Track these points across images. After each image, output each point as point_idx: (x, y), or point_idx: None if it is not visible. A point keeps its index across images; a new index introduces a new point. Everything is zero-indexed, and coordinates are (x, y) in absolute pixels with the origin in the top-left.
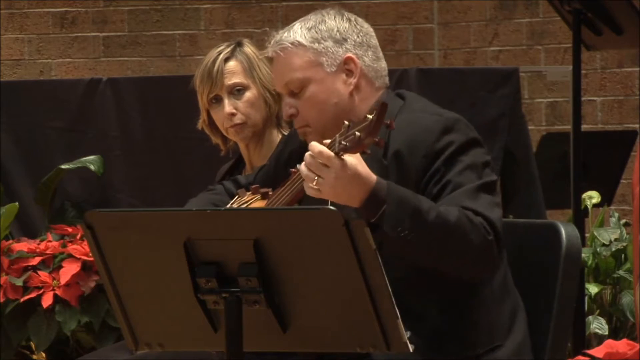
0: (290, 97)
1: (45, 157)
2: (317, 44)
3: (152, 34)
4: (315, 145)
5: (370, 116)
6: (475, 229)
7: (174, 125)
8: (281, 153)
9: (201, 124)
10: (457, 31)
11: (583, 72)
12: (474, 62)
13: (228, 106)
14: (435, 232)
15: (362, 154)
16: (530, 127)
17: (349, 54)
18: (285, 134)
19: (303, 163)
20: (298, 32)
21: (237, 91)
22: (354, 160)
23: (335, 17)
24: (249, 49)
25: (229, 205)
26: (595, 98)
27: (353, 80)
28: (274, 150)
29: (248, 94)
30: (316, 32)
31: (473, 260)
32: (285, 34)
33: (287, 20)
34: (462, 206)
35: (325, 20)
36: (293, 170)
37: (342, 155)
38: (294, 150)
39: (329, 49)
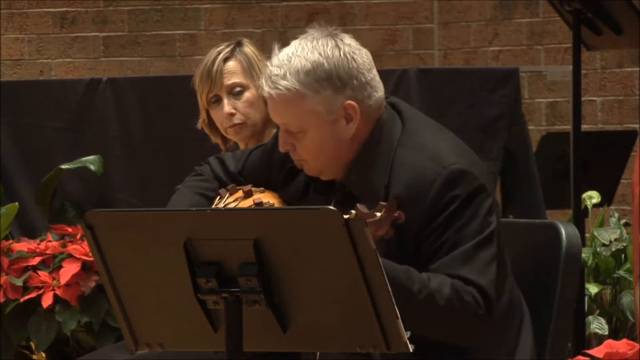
0: (285, 133)
1: (45, 157)
2: (315, 93)
3: (152, 34)
4: None
5: (379, 214)
6: (465, 308)
7: (174, 125)
8: (272, 151)
9: (201, 123)
10: (457, 31)
11: (583, 72)
12: (474, 62)
13: (227, 106)
14: (423, 313)
15: None
16: (530, 127)
17: (349, 101)
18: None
19: None
20: (295, 76)
21: (236, 91)
22: None
23: (333, 54)
24: (248, 49)
25: (217, 202)
26: (595, 98)
27: (353, 126)
28: (267, 142)
29: (247, 94)
30: (315, 78)
31: (463, 336)
32: (282, 74)
33: (287, 21)
34: (454, 275)
35: (323, 64)
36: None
37: None
38: (289, 154)
39: (328, 97)
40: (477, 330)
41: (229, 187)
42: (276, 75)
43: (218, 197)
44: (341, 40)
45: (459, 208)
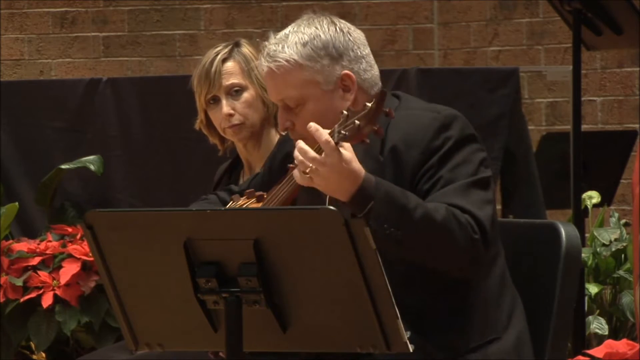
0: (284, 110)
1: (45, 157)
2: (313, 62)
3: (152, 34)
4: (317, 129)
5: (369, 104)
6: (461, 228)
7: (173, 125)
8: (274, 157)
9: (199, 124)
10: (457, 31)
11: (583, 72)
12: (474, 62)
13: (226, 107)
14: (420, 230)
15: (361, 143)
16: (530, 127)
17: (346, 71)
18: (283, 134)
19: (297, 149)
20: (293, 48)
21: (235, 92)
22: (349, 154)
23: (329, 28)
24: (246, 49)
25: (228, 206)
26: (595, 98)
27: (350, 96)
28: (269, 156)
29: (246, 95)
30: (312, 49)
31: (457, 259)
32: (280, 48)
33: (287, 21)
34: (450, 203)
35: (319, 35)
36: (291, 166)
37: (340, 145)
38: (290, 152)
39: (325, 67)
40: (472, 256)
41: (246, 191)
42: (274, 50)
43: (231, 202)
44: (336, 19)
45: (453, 149)
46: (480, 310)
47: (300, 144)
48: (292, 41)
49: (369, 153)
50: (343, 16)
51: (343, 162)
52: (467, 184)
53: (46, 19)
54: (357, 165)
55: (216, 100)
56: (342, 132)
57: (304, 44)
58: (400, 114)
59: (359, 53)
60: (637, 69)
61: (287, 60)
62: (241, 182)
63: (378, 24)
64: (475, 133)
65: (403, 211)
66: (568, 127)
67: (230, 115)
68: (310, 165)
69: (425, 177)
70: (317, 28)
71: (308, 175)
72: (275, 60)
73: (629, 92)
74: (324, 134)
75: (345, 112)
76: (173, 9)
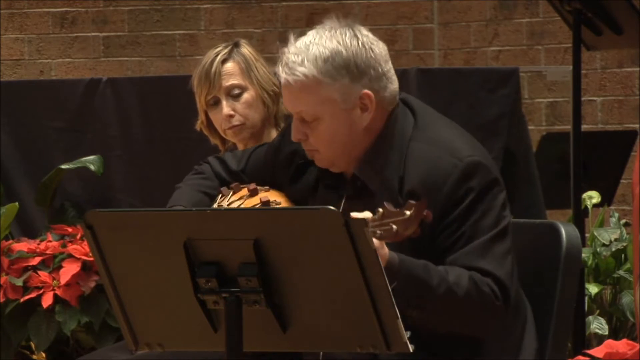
0: (299, 121)
1: (45, 157)
2: (332, 80)
3: (152, 34)
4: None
5: (408, 212)
6: (483, 299)
7: (173, 125)
8: (280, 147)
9: (199, 125)
10: (457, 31)
11: (583, 72)
12: (474, 62)
13: (226, 108)
14: (443, 307)
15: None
16: (530, 127)
17: (366, 90)
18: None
19: None
20: (313, 62)
21: (235, 93)
22: (379, 244)
23: (351, 43)
24: (246, 49)
25: (221, 201)
26: (595, 98)
27: (368, 116)
28: (272, 140)
29: (246, 95)
30: (333, 66)
31: (481, 327)
32: (299, 60)
33: (287, 21)
34: (471, 267)
35: (341, 52)
36: None
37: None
38: (297, 150)
39: (345, 86)
40: (494, 321)
41: (232, 185)
42: (293, 62)
43: (220, 195)
44: (359, 31)
45: (475, 201)
46: (495, 334)
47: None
48: (312, 55)
49: (387, 187)
50: (343, 16)
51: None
52: (488, 240)
53: (46, 19)
54: (383, 251)
55: (216, 102)
56: (378, 232)
57: (325, 60)
58: (417, 148)
59: (380, 70)
60: (637, 69)
61: (305, 75)
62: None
63: (378, 24)
64: (497, 176)
65: (426, 289)
66: (568, 127)
67: (231, 116)
68: None
69: (446, 231)
70: (339, 43)
71: None
72: (294, 74)
73: (629, 92)
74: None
75: (380, 210)
76: (173, 9)
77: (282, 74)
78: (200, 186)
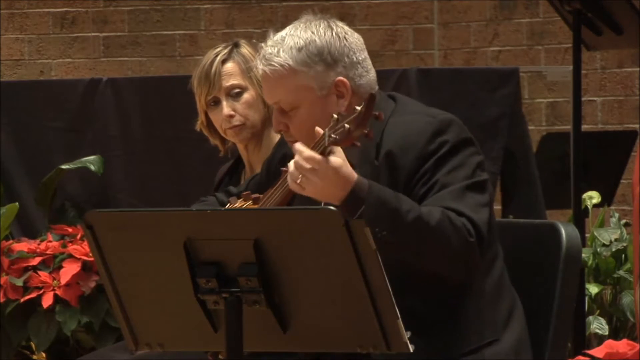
0: (279, 112)
1: (45, 157)
2: (307, 68)
3: (152, 34)
4: (299, 147)
5: (358, 108)
6: (457, 231)
7: (174, 126)
8: (272, 158)
9: (199, 125)
10: (457, 31)
11: (583, 72)
12: (474, 62)
13: (226, 108)
14: (413, 234)
15: (352, 146)
16: (530, 127)
17: (340, 77)
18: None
19: (291, 162)
20: (288, 52)
21: (235, 93)
22: (339, 160)
23: (325, 33)
24: (246, 50)
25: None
26: (595, 98)
27: (344, 102)
28: (267, 158)
29: (246, 96)
30: (307, 54)
31: (452, 262)
32: (275, 51)
33: (287, 21)
34: (446, 207)
35: (315, 40)
36: (284, 169)
37: (330, 151)
38: (287, 153)
39: (319, 73)
40: (468, 259)
41: (243, 194)
42: (270, 53)
43: (228, 204)
44: (334, 22)
45: (448, 153)
46: (477, 312)
47: (298, 145)
48: (287, 45)
49: (365, 157)
50: (343, 16)
51: (331, 169)
52: (463, 187)
53: (46, 19)
54: (347, 170)
55: (216, 102)
56: (333, 135)
57: (299, 49)
58: (395, 119)
59: (355, 59)
60: (637, 69)
61: (281, 65)
62: (242, 183)
63: (378, 24)
64: (472, 137)
65: (395, 215)
66: (568, 127)
67: (231, 116)
68: (301, 173)
69: (421, 181)
70: (313, 33)
71: (299, 185)
72: (270, 64)
73: (629, 92)
74: (305, 150)
75: (335, 115)
76: (173, 9)
77: (260, 65)
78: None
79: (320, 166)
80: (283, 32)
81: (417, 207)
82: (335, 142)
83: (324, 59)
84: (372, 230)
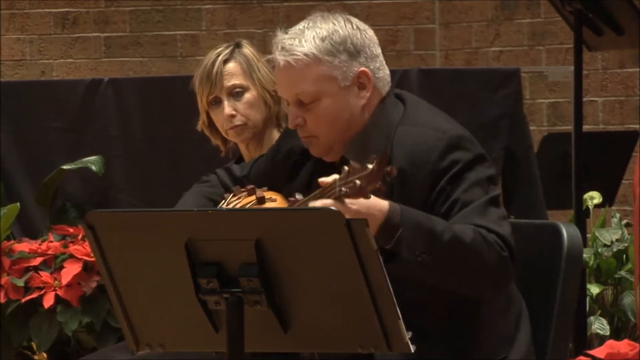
0: (296, 106)
1: (46, 158)
2: (332, 57)
3: (154, 34)
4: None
5: (370, 166)
6: (491, 248)
7: (175, 126)
8: (278, 149)
9: (200, 125)
10: (458, 31)
11: (584, 72)
12: (475, 63)
13: (228, 108)
14: (452, 254)
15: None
16: (531, 128)
17: (363, 68)
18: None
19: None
20: (311, 42)
21: (236, 93)
22: (363, 201)
23: (345, 25)
24: (248, 50)
25: (222, 204)
26: (596, 98)
27: (366, 94)
28: (272, 145)
29: (248, 96)
30: (331, 44)
31: (491, 279)
32: (297, 42)
33: (288, 21)
34: (473, 224)
35: (337, 30)
36: (291, 199)
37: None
38: (293, 148)
39: (343, 63)
40: (503, 275)
41: (233, 188)
42: (291, 44)
43: (222, 200)
44: (351, 17)
45: (463, 170)
46: (487, 328)
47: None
48: (309, 36)
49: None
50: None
51: (353, 205)
52: (483, 203)
53: (47, 19)
54: (375, 202)
55: (218, 102)
56: (343, 189)
57: (323, 39)
58: (404, 130)
59: (374, 52)
60: (638, 69)
61: (305, 54)
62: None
63: (379, 24)
64: (482, 151)
65: (432, 236)
66: (569, 128)
67: (232, 116)
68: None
69: (439, 200)
70: (334, 24)
71: None
72: (293, 54)
73: (630, 92)
74: (318, 203)
75: (346, 168)
76: (174, 10)
77: (280, 57)
78: (206, 192)
79: (340, 207)
80: (299, 26)
81: (449, 226)
82: (346, 196)
83: (348, 49)
84: (412, 254)
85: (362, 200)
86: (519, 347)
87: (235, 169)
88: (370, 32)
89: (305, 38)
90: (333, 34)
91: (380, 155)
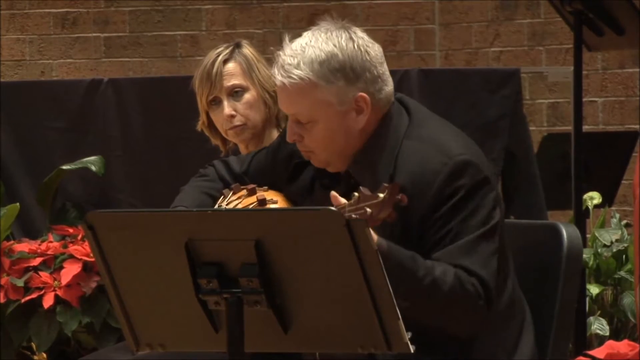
0: (295, 123)
1: (46, 158)
2: (328, 83)
3: (153, 34)
4: None
5: (381, 195)
6: (467, 297)
7: (175, 126)
8: (279, 148)
9: (200, 125)
10: (458, 32)
11: (584, 72)
12: (475, 63)
13: (227, 108)
14: (427, 299)
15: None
16: (531, 128)
17: (361, 93)
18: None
19: None
20: (309, 65)
21: (236, 93)
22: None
23: (347, 46)
24: (247, 50)
25: (221, 202)
26: (596, 99)
27: (363, 118)
28: (273, 142)
29: (247, 96)
30: (328, 69)
31: (461, 324)
32: (295, 63)
33: (288, 21)
34: (457, 265)
35: (337, 55)
36: None
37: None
38: (295, 151)
39: (340, 88)
40: (475, 321)
41: (232, 186)
42: (289, 64)
43: (222, 196)
44: (354, 33)
45: (464, 199)
46: (489, 336)
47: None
48: (308, 57)
49: (377, 190)
50: (344, 17)
51: None
52: (475, 239)
53: (47, 19)
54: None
55: (217, 102)
56: (353, 215)
57: (321, 63)
58: (410, 145)
59: (375, 73)
60: (638, 69)
61: (301, 78)
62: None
63: (379, 24)
64: (487, 175)
65: (412, 279)
66: (569, 128)
67: (232, 116)
68: None
69: (435, 226)
70: (335, 46)
71: None
72: (290, 77)
73: (630, 92)
74: None
75: (356, 194)
76: (174, 10)
77: (278, 76)
78: (204, 188)
79: None
80: (302, 41)
81: (431, 270)
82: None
83: (346, 74)
84: None
85: None
86: (521, 353)
87: (234, 164)
88: (373, 51)
89: (304, 60)
90: (332, 58)
91: (391, 184)
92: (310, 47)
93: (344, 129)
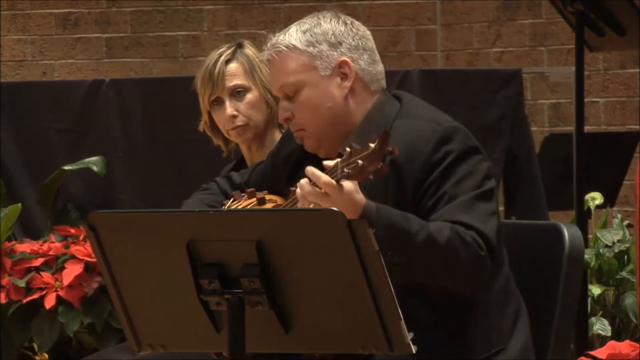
0: (285, 100)
1: (48, 158)
2: (311, 47)
3: (155, 35)
4: (314, 173)
5: (372, 145)
6: (467, 247)
7: (176, 127)
8: (278, 152)
9: (202, 125)
10: (459, 32)
11: (586, 73)
12: (477, 63)
13: (229, 108)
14: (425, 254)
15: (365, 179)
16: (532, 128)
17: (344, 58)
18: (283, 124)
19: (299, 185)
20: (293, 35)
21: (238, 93)
22: (351, 186)
23: (331, 20)
24: (249, 50)
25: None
26: (597, 99)
27: (347, 84)
28: (271, 150)
29: (249, 96)
30: (311, 35)
31: (466, 278)
32: (281, 37)
33: (290, 21)
34: (454, 220)
35: (320, 24)
36: (292, 189)
37: (343, 181)
38: (294, 150)
39: (323, 52)
40: (479, 274)
41: (233, 193)
42: (276, 40)
43: (223, 207)
44: (343, 15)
45: (455, 162)
46: (485, 321)
47: (312, 170)
48: (293, 30)
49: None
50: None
51: (345, 194)
52: (471, 198)
53: (49, 20)
54: (358, 196)
55: (219, 102)
56: (345, 170)
57: (304, 32)
58: (400, 123)
59: (361, 44)
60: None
61: (286, 46)
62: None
63: (380, 25)
64: (478, 144)
65: (406, 236)
66: (571, 129)
67: (234, 116)
68: (313, 197)
69: (428, 192)
70: (319, 18)
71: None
72: (275, 47)
73: (632, 93)
74: (322, 176)
75: (348, 149)
76: (176, 10)
77: (266, 52)
78: (207, 200)
79: (333, 192)
80: (288, 27)
81: (426, 226)
82: (348, 177)
83: (328, 39)
84: (384, 254)
85: (338, 193)
86: (517, 340)
87: (235, 177)
88: (362, 29)
89: (289, 33)
90: (315, 26)
91: (381, 133)
92: (296, 25)
93: (329, 95)
